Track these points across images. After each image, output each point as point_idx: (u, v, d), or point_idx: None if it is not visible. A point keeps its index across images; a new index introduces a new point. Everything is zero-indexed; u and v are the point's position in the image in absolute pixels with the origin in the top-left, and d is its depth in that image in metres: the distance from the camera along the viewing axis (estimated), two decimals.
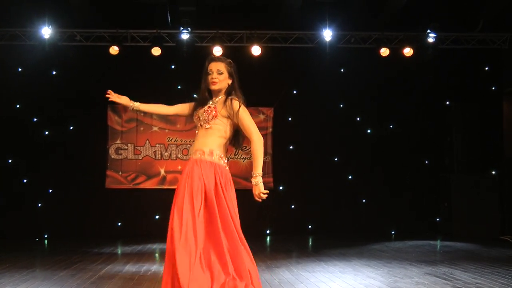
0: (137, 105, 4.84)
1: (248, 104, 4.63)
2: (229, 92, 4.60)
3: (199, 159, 4.43)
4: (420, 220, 12.82)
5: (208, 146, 4.46)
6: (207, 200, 4.34)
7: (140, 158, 12.62)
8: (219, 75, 4.54)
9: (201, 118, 4.56)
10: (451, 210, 12.23)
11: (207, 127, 4.51)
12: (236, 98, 4.52)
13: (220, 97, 4.60)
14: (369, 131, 12.96)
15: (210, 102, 4.61)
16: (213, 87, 4.56)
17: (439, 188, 12.78)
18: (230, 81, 4.61)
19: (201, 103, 4.66)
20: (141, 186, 12.56)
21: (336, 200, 12.77)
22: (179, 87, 12.34)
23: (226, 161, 4.54)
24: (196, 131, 4.65)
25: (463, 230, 11.80)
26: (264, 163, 12.44)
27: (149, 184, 12.57)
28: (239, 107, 4.45)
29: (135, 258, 8.88)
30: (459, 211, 12.02)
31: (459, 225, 11.95)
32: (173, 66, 12.59)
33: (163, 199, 12.47)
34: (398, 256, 8.91)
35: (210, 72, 4.56)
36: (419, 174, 12.96)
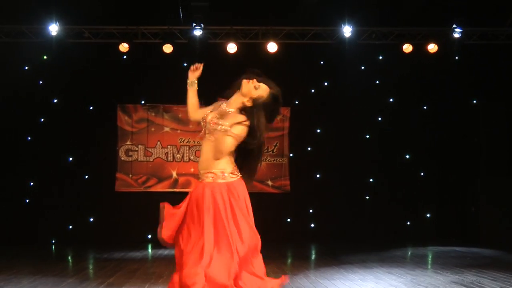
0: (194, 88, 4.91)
1: None
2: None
3: (212, 182, 4.39)
4: (445, 225, 12.72)
5: (218, 167, 4.38)
6: (218, 223, 4.27)
7: (151, 160, 12.66)
8: (257, 89, 4.42)
9: (209, 126, 4.42)
10: (478, 215, 12.13)
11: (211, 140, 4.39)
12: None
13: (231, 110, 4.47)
14: (390, 131, 12.87)
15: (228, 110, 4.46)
16: (253, 92, 4.39)
17: (466, 191, 12.68)
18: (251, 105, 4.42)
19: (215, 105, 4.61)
20: (152, 189, 12.59)
21: (356, 204, 12.70)
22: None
23: (237, 171, 4.47)
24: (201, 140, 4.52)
25: (491, 236, 11.67)
26: (281, 165, 12.43)
27: (161, 187, 12.60)
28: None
29: (146, 265, 8.91)
30: (487, 216, 11.90)
31: (487, 230, 11.83)
32: (185, 64, 12.61)
33: (175, 203, 12.52)
34: (422, 263, 8.86)
35: (252, 81, 4.40)
36: (444, 176, 12.86)
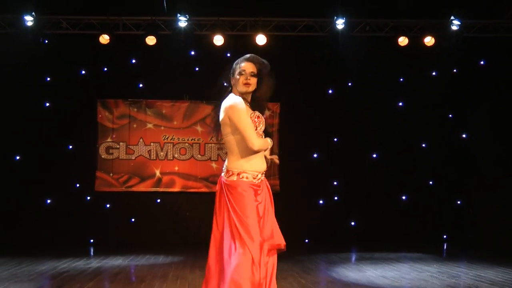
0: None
1: None
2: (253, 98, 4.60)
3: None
4: (440, 228, 12.80)
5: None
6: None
7: (133, 158, 12.63)
8: (252, 77, 4.51)
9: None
10: (476, 216, 12.18)
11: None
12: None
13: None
14: (385, 127, 12.91)
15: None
16: (246, 89, 4.51)
17: (462, 191, 12.77)
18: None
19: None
20: (134, 189, 12.57)
21: (350, 205, 12.73)
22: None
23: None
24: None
25: (489, 238, 11.73)
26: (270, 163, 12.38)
27: (143, 187, 12.58)
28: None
29: (127, 269, 8.90)
30: (485, 217, 11.96)
31: (485, 232, 11.89)
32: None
33: (158, 203, 12.55)
34: (417, 267, 8.90)
35: (243, 73, 4.51)
36: (439, 175, 12.93)
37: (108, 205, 12.47)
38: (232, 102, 4.43)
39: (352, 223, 12.77)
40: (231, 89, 4.58)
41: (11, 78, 11.81)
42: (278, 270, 4.63)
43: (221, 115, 4.47)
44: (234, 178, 4.46)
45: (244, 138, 4.40)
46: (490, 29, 11.70)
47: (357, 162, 12.86)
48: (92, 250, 11.56)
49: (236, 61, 4.58)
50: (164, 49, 11.63)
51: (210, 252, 4.51)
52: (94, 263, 9.47)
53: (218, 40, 11.31)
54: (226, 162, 4.56)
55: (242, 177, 4.45)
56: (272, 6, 11.65)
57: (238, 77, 4.50)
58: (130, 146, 12.64)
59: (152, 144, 12.67)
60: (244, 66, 4.51)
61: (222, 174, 4.55)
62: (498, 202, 11.83)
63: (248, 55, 4.61)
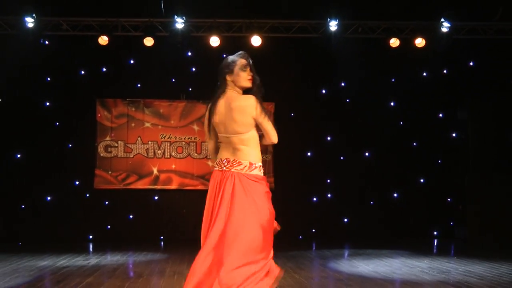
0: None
1: None
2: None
3: None
4: (431, 224, 12.81)
5: None
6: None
7: (131, 156, 12.60)
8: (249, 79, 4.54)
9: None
10: (466, 214, 12.20)
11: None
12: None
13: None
14: (377, 127, 12.92)
15: None
16: (250, 85, 4.53)
17: (452, 188, 12.77)
18: None
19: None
20: (133, 186, 12.54)
21: (344, 201, 12.74)
22: (173, 80, 12.46)
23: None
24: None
25: (479, 236, 11.74)
26: (265, 161, 12.40)
27: (141, 184, 12.56)
28: None
29: (125, 264, 8.87)
30: (475, 215, 11.96)
31: (475, 229, 11.89)
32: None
33: (156, 201, 12.52)
34: (408, 262, 8.89)
35: (245, 69, 4.50)
36: (431, 173, 12.95)
37: (106, 202, 12.45)
38: (255, 100, 4.43)
39: (345, 220, 12.79)
40: (226, 87, 4.51)
41: (12, 78, 11.80)
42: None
43: (243, 115, 4.39)
44: (258, 172, 4.42)
45: (267, 133, 4.51)
46: (479, 31, 11.70)
47: (350, 160, 12.87)
48: (91, 246, 11.55)
49: (231, 59, 4.53)
50: (162, 50, 11.61)
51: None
52: (93, 258, 9.45)
53: (214, 41, 11.29)
54: (243, 156, 4.42)
55: (261, 171, 4.48)
56: (267, 9, 11.62)
57: (240, 73, 4.47)
58: (128, 145, 12.61)
59: (149, 142, 12.65)
60: (245, 62, 4.48)
61: (240, 167, 4.38)
62: (487, 199, 11.84)
63: (242, 52, 4.60)
